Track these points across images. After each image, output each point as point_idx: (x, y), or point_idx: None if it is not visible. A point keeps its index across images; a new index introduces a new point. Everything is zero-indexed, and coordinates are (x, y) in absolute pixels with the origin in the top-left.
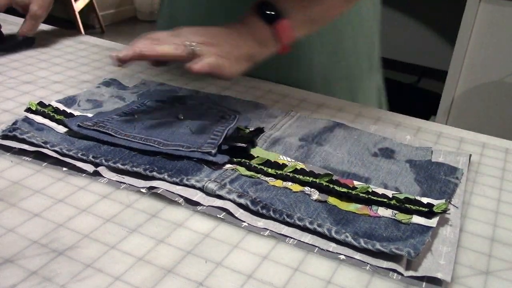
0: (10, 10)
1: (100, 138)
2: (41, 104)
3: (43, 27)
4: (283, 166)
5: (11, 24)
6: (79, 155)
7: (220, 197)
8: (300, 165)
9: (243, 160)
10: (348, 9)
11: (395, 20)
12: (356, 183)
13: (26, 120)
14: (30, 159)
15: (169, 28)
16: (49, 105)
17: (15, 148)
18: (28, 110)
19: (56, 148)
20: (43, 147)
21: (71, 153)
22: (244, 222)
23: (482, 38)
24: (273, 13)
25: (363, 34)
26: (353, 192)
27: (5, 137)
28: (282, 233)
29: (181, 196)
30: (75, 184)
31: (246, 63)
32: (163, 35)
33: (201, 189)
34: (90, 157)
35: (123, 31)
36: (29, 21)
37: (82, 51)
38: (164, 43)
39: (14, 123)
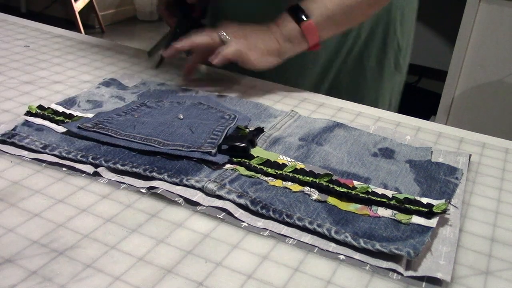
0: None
1: (100, 139)
2: (40, 107)
3: (43, 27)
4: (283, 166)
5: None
6: (78, 157)
7: (219, 197)
8: (300, 165)
9: (243, 160)
10: (374, 12)
11: None
12: (356, 183)
13: (25, 124)
14: (30, 159)
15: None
16: (49, 107)
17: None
18: (28, 113)
19: (55, 152)
20: (42, 153)
21: (70, 155)
22: (244, 222)
23: (482, 38)
24: (302, 14)
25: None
26: (353, 192)
27: (3, 142)
28: (282, 233)
29: (181, 196)
30: (75, 184)
31: (274, 58)
32: (206, 30)
33: (200, 189)
34: (90, 159)
35: (123, 31)
36: None
37: (82, 51)
38: (202, 35)
39: (14, 129)
